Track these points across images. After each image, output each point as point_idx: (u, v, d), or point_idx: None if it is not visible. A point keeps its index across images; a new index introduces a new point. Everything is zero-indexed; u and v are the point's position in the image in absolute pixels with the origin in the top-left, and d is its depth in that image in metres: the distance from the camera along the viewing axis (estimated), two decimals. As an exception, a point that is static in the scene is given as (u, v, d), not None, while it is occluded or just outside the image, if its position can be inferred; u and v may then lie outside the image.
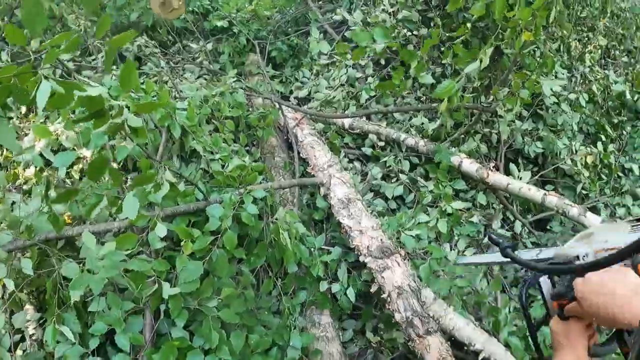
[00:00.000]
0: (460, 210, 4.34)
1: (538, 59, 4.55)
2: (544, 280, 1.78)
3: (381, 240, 3.70)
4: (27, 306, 3.26)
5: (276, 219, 3.45)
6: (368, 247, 3.66)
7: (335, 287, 3.80)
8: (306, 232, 3.90)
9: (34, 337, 3.23)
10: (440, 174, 4.60)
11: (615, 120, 5.73)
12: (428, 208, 4.45)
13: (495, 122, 5.04)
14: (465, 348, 3.37)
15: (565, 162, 4.98)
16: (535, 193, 4.15)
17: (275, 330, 3.45)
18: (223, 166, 3.90)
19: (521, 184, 4.25)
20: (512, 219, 4.86)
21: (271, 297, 3.70)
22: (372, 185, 4.63)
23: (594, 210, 4.89)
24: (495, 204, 4.77)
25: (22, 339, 3.15)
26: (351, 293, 3.79)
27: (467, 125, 4.85)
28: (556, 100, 5.22)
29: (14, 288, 2.92)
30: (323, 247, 3.93)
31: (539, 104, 5.25)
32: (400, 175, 4.68)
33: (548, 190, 4.23)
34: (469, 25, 4.25)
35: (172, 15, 5.33)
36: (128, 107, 2.45)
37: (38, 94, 1.85)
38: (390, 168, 4.77)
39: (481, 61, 3.70)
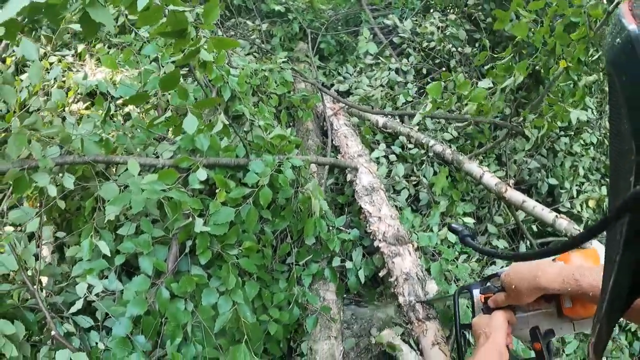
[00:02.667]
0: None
1: (571, 88, 4.72)
2: (475, 290, 2.09)
3: (397, 229, 3.93)
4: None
5: (307, 189, 3.65)
6: (384, 233, 3.90)
7: (349, 265, 4.05)
8: (329, 210, 4.11)
9: (53, 253, 3.46)
10: (455, 193, 4.85)
11: None
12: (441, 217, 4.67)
13: (516, 146, 5.26)
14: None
15: (563, 205, 5.18)
16: (547, 214, 4.33)
17: (284, 290, 3.67)
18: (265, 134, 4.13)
19: (535, 203, 4.44)
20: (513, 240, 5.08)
21: (285, 265, 3.93)
22: (395, 182, 4.82)
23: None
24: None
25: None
26: (361, 274, 4.02)
27: (495, 141, 5.06)
28: (577, 146, 5.43)
29: (55, 195, 3.08)
30: (342, 228, 4.14)
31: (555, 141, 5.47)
32: (422, 178, 4.89)
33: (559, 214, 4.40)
34: (511, 48, 4.45)
35: None
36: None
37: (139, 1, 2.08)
38: (414, 172, 5.00)
39: (515, 77, 3.90)
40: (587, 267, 1.65)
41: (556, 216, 4.30)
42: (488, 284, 2.03)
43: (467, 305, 3.74)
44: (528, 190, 5.53)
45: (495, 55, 4.80)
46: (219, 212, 3.28)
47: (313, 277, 3.96)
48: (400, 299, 3.57)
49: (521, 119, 4.90)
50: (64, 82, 4.22)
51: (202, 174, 3.30)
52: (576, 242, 0.73)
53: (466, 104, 4.16)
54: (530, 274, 1.72)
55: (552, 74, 4.37)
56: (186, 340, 3.09)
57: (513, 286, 1.76)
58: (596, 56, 4.71)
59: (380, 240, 3.89)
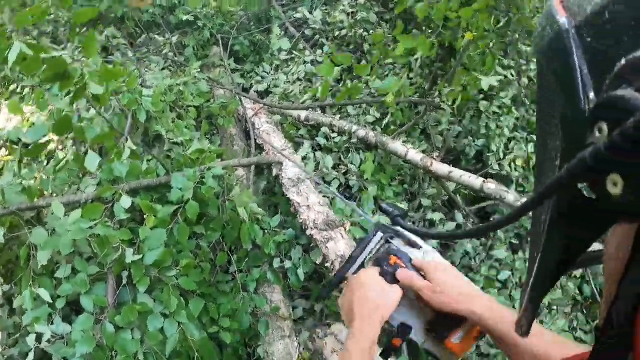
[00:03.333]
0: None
1: (483, 56, 4.84)
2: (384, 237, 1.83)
3: (327, 214, 4.02)
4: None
5: (232, 196, 3.74)
6: (314, 220, 3.99)
7: (288, 264, 4.14)
8: (262, 212, 4.20)
9: (2, 307, 3.51)
10: (383, 177, 4.99)
11: None
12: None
13: (439, 118, 5.42)
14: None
15: (492, 168, 5.32)
16: (474, 180, 4.46)
17: (229, 301, 3.77)
18: (184, 150, 4.19)
19: (462, 172, 4.58)
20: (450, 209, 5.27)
21: (228, 274, 4.01)
22: (324, 174, 4.94)
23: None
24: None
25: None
26: (301, 272, 4.12)
27: (415, 119, 5.21)
28: (496, 107, 5.59)
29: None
30: (277, 229, 4.24)
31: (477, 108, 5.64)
32: (350, 166, 5.02)
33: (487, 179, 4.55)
34: (400, 23, 4.55)
35: (142, 4, 5.65)
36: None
37: (10, 54, 2.16)
38: (342, 161, 5.12)
39: (418, 57, 3.99)
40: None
41: (483, 181, 4.43)
42: (403, 249, 1.78)
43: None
44: (458, 158, 5.67)
45: (392, 35, 4.92)
46: (150, 237, 3.34)
47: (257, 281, 4.04)
48: None
49: (437, 93, 5.03)
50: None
51: (126, 201, 3.36)
52: (508, 221, 0.74)
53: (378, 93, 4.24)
54: (464, 287, 1.58)
55: (459, 46, 4.50)
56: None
57: (438, 287, 1.56)
58: (502, 22, 4.87)
59: (311, 228, 3.97)
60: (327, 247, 3.81)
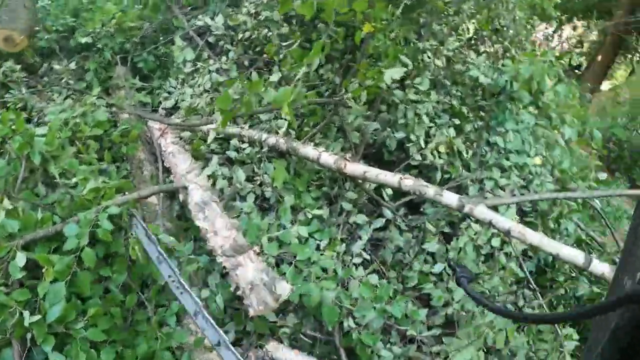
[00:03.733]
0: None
1: (383, 49, 4.74)
2: None
3: (234, 239, 3.93)
4: None
5: (132, 234, 3.61)
6: (222, 246, 3.90)
7: (205, 293, 4.02)
8: (173, 241, 4.08)
9: None
10: (299, 183, 4.86)
11: (483, 102, 5.93)
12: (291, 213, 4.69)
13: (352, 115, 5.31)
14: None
15: (414, 158, 5.21)
16: (391, 178, 4.40)
17: (147, 341, 3.64)
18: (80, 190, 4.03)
19: (378, 171, 4.50)
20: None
21: (145, 312, 3.86)
22: (237, 188, 4.81)
23: (464, 188, 5.23)
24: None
25: None
26: (220, 299, 4.02)
27: (324, 121, 5.11)
28: (413, 95, 5.50)
29: None
30: (192, 256, 4.13)
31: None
32: (264, 176, 4.90)
33: (404, 174, 4.47)
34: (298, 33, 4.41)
35: (16, 49, 5.46)
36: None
37: None
38: (256, 173, 4.99)
39: (309, 65, 3.86)
40: None
41: (400, 178, 4.36)
42: None
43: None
44: (379, 152, 5.59)
45: (285, 44, 4.80)
46: (49, 293, 3.21)
47: (177, 315, 3.91)
48: (250, 311, 3.60)
49: (343, 90, 4.91)
50: None
51: (21, 259, 3.23)
52: (583, 316, 0.73)
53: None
54: None
55: (357, 40, 4.37)
56: None
57: None
58: (401, 8, 4.76)
59: (220, 255, 3.89)
60: (236, 275, 3.74)
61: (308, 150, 4.75)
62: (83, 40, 6.38)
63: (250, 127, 5.30)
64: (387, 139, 5.40)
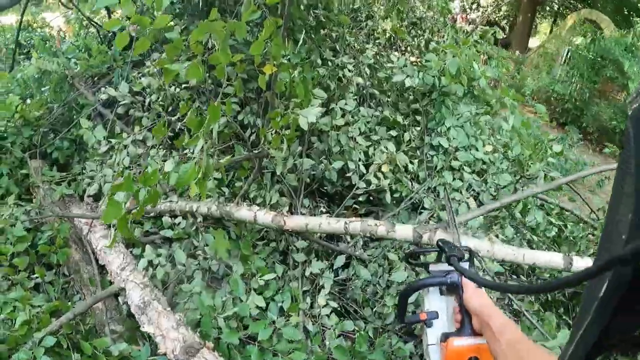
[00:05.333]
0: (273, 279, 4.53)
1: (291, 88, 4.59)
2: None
3: (183, 339, 3.70)
4: None
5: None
6: (173, 350, 3.66)
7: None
8: (128, 348, 3.89)
9: None
10: (245, 248, 4.69)
11: (416, 105, 5.82)
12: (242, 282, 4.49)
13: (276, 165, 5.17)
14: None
15: (359, 188, 5.05)
16: (336, 225, 4.29)
17: None
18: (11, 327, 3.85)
19: (319, 219, 4.38)
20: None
21: None
22: (180, 270, 4.63)
23: (419, 203, 5.10)
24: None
25: None
26: None
27: (250, 177, 4.95)
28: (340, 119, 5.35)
29: None
30: (151, 358, 3.92)
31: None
32: (205, 249, 4.74)
33: (349, 217, 4.38)
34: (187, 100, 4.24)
35: None
36: None
37: None
38: (197, 247, 4.82)
39: (206, 140, 3.67)
40: None
41: (346, 222, 4.27)
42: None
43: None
44: (322, 185, 5.46)
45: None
46: None
47: None
48: None
49: (262, 140, 4.75)
50: None
51: None
52: (556, 287, 0.79)
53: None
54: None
55: (262, 84, 4.22)
56: None
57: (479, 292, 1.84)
58: (302, 38, 4.62)
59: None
60: (196, 380, 3.50)
61: (242, 212, 4.61)
62: (-12, 146, 6.15)
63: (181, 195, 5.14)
64: (325, 172, 5.25)
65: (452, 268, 2.03)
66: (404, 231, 4.09)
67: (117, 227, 3.30)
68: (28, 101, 6.89)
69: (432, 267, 2.18)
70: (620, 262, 0.58)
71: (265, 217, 4.50)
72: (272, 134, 4.39)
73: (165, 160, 5.13)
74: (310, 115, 4.22)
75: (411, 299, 2.38)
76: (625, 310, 0.68)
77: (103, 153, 5.88)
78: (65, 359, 3.53)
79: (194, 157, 3.57)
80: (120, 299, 4.32)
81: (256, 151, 4.70)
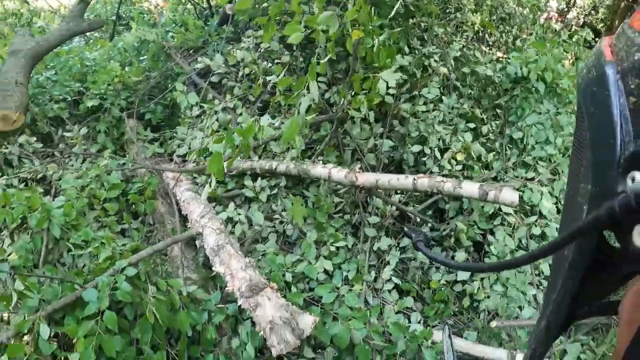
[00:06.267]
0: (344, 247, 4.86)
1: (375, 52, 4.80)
2: None
3: (250, 279, 4.02)
4: None
5: (151, 294, 3.80)
6: (239, 288, 3.99)
7: (235, 343, 4.15)
8: (199, 292, 4.28)
9: None
10: (321, 216, 5.00)
11: (498, 99, 6.02)
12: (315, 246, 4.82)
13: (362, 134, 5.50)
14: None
15: (431, 171, 5.29)
16: (405, 181, 4.50)
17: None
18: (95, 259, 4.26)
19: (389, 176, 4.63)
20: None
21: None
22: (257, 230, 5.01)
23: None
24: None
25: None
26: (250, 348, 4.10)
27: (328, 136, 5.33)
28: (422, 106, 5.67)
29: None
30: (219, 305, 4.29)
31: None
32: (282, 214, 5.11)
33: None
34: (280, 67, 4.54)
35: (12, 127, 5.76)
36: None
37: None
38: (275, 211, 5.20)
39: (308, 89, 3.98)
40: None
41: (414, 178, 4.45)
42: None
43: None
44: (399, 169, 5.72)
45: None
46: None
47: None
48: (273, 351, 3.64)
49: (342, 101, 5.05)
50: None
51: (45, 331, 3.44)
52: (530, 260, 0.75)
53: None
54: None
55: (349, 48, 4.47)
56: None
57: None
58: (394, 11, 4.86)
59: (239, 297, 3.98)
60: (256, 315, 3.81)
61: (318, 169, 4.95)
62: (90, 104, 6.72)
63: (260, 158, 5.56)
64: (403, 155, 5.52)
65: None
66: (470, 188, 4.17)
67: (216, 174, 3.68)
68: (127, 68, 7.44)
69: None
70: (582, 233, 0.60)
71: (338, 174, 4.80)
72: (352, 94, 4.72)
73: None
74: (389, 78, 4.49)
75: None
76: (592, 279, 0.71)
77: (194, 117, 6.38)
78: (141, 291, 3.89)
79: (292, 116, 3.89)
80: (197, 242, 4.67)
81: (338, 112, 4.99)
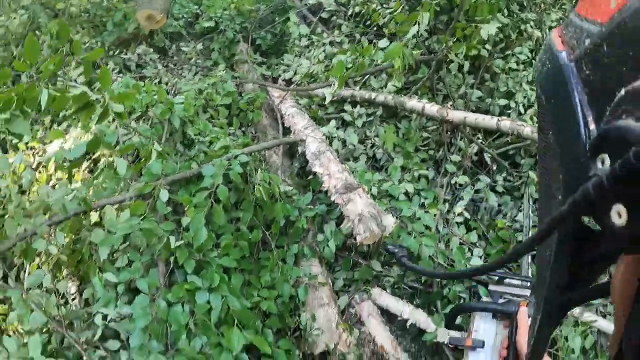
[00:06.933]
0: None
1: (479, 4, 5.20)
2: None
3: (345, 179, 4.58)
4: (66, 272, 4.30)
5: (260, 180, 4.35)
6: (335, 186, 4.54)
7: (320, 237, 4.71)
8: (294, 192, 4.84)
9: (74, 298, 4.27)
10: (410, 146, 5.47)
11: None
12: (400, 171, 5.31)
13: (455, 81, 5.95)
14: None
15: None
16: (490, 121, 4.96)
17: (269, 273, 4.39)
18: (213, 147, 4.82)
19: (476, 115, 5.07)
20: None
21: (268, 252, 4.58)
22: (350, 150, 5.54)
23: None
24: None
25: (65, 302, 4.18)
26: (332, 244, 4.64)
27: (427, 74, 5.76)
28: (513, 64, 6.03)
29: (56, 251, 3.95)
30: (310, 206, 4.83)
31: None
32: (375, 139, 5.60)
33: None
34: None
35: (156, 26, 6.40)
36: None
37: (41, 99, 2.87)
38: (368, 136, 5.70)
39: (419, 24, 4.42)
40: None
41: (498, 119, 4.92)
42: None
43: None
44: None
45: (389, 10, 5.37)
46: (191, 223, 4.00)
47: (296, 256, 4.63)
48: (358, 238, 4.18)
49: (443, 45, 5.50)
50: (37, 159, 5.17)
51: (164, 195, 4.03)
52: (511, 259, 0.77)
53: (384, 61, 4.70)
54: None
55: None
56: (192, 335, 3.81)
57: None
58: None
59: (333, 193, 4.53)
60: (347, 209, 4.37)
61: (413, 103, 5.41)
62: (206, 24, 7.36)
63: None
64: (490, 107, 5.91)
65: (510, 294, 2.26)
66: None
67: (338, 83, 4.20)
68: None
69: (491, 287, 2.38)
70: (561, 220, 0.60)
71: (431, 108, 5.28)
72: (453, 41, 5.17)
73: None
74: (490, 29, 4.91)
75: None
76: (578, 266, 0.71)
77: (302, 47, 6.93)
78: (248, 177, 4.46)
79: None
80: (299, 148, 5.24)
81: (439, 54, 5.43)
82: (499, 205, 5.38)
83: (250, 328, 3.92)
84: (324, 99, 5.83)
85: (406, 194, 5.08)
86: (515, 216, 5.28)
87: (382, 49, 4.62)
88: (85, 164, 5.09)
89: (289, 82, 6.81)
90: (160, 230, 3.94)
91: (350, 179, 4.61)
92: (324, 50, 6.62)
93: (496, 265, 0.85)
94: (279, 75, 6.98)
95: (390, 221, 4.26)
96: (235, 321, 3.87)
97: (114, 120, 3.75)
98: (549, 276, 0.75)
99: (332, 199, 4.52)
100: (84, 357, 3.61)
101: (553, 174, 0.72)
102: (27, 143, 5.37)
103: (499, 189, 5.50)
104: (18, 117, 2.96)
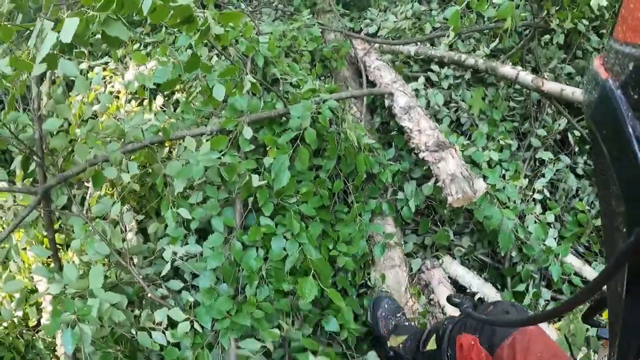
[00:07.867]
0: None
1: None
2: None
3: (437, 136, 4.34)
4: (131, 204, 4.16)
5: (346, 128, 4.13)
6: (425, 143, 4.30)
7: (400, 195, 4.50)
8: (377, 145, 4.61)
9: (137, 232, 4.12)
10: (496, 114, 5.25)
11: None
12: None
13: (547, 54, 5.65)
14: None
15: None
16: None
17: (346, 227, 4.19)
18: (299, 89, 4.59)
19: (574, 89, 4.76)
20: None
21: (345, 205, 4.41)
22: (435, 110, 5.29)
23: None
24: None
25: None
26: (412, 204, 4.44)
27: (524, 40, 5.45)
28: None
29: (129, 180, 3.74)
30: (392, 162, 4.61)
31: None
32: (461, 103, 5.35)
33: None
34: None
35: None
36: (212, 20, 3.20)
37: (143, 5, 2.63)
38: (453, 99, 5.45)
39: None
40: None
41: None
42: None
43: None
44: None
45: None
46: (274, 164, 3.82)
47: (372, 212, 4.44)
48: (449, 199, 3.97)
49: (545, 12, 5.19)
50: (112, 86, 4.99)
51: (247, 132, 3.83)
52: (583, 298, 0.74)
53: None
54: None
55: None
56: (263, 282, 3.66)
57: None
58: None
59: (422, 150, 4.29)
60: (438, 167, 4.15)
61: (506, 69, 5.10)
62: (291, -30, 7.07)
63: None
64: (579, 85, 5.62)
65: None
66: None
67: (453, 28, 4.02)
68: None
69: None
70: (628, 255, 0.58)
71: (526, 77, 4.96)
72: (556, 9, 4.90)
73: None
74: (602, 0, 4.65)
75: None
76: None
77: (389, 1, 6.65)
78: (334, 124, 4.26)
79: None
80: (386, 102, 4.98)
81: (539, 21, 5.17)
82: (577, 188, 5.19)
83: (325, 280, 3.75)
84: (410, 56, 5.61)
85: (488, 163, 4.84)
86: (592, 201, 5.12)
87: (494, 6, 4.38)
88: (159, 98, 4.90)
89: (372, 36, 6.53)
90: (243, 167, 3.74)
91: (442, 137, 4.36)
92: (412, 7, 6.32)
93: (572, 305, 0.80)
94: (361, 30, 6.71)
95: (481, 185, 4.03)
96: (312, 271, 3.69)
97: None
98: (623, 313, 0.71)
99: (421, 156, 4.29)
100: (148, 294, 3.43)
101: (616, 206, 0.69)
102: (105, 66, 5.15)
103: (579, 171, 5.36)
104: (117, 20, 2.72)
